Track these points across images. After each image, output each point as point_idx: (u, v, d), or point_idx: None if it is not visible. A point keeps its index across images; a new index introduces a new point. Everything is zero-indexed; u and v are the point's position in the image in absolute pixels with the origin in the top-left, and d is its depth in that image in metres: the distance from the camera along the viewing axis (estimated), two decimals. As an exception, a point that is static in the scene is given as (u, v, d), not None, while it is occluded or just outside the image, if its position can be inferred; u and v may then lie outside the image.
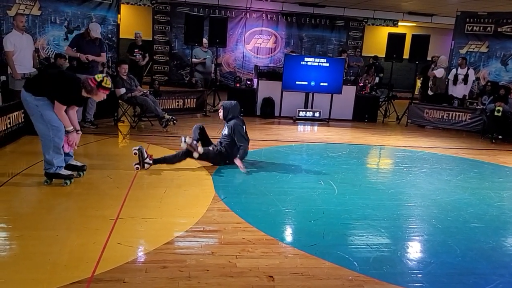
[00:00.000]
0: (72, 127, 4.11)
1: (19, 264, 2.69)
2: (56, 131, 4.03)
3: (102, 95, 4.15)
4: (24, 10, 7.60)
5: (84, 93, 4.09)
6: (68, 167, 4.35)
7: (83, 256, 2.82)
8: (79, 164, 4.46)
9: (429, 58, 9.89)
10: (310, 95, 9.36)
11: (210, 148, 5.18)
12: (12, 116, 5.58)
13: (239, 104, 5.41)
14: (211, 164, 5.17)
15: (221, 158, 5.19)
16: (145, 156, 4.83)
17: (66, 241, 3.03)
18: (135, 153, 4.78)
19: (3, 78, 6.52)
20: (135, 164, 4.81)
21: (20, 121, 5.82)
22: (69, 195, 3.99)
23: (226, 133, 5.24)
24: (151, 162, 4.85)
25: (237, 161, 5.03)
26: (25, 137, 5.88)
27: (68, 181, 4.16)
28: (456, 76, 9.47)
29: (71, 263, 2.72)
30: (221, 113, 5.34)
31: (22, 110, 5.88)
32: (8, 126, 5.47)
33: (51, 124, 4.00)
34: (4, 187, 4.03)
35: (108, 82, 4.08)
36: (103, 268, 2.68)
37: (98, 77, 4.06)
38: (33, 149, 5.38)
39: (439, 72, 9.48)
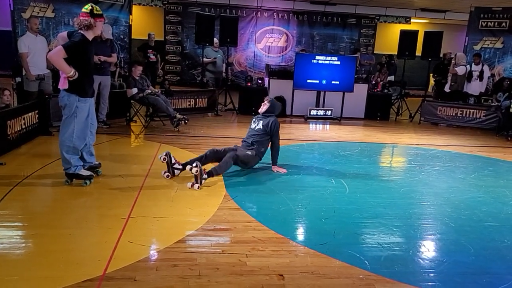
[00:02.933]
0: (73, 72, 3.96)
1: (33, 262, 2.74)
2: (81, 136, 4.14)
3: (100, 25, 4.11)
4: (38, 13, 7.72)
5: (88, 34, 4.04)
6: (91, 168, 4.44)
7: (95, 254, 2.86)
8: (96, 162, 4.55)
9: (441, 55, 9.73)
10: (322, 93, 9.31)
11: (249, 152, 4.90)
12: (26, 117, 5.67)
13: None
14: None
15: (258, 159, 5.06)
16: (173, 161, 4.55)
17: (78, 240, 3.08)
18: (164, 159, 4.47)
19: (18, 79, 6.63)
20: (165, 173, 4.54)
21: (34, 122, 5.91)
22: (82, 194, 4.04)
23: (261, 127, 5.00)
24: (180, 167, 4.56)
25: (277, 168, 5.05)
26: (40, 138, 5.97)
27: (88, 181, 4.22)
28: (470, 73, 9.33)
29: (83, 261, 2.76)
30: (266, 107, 5.11)
31: (37, 111, 5.99)
32: (23, 126, 5.57)
33: (78, 128, 4.10)
34: (19, 186, 4.10)
35: (97, 8, 4.04)
36: (114, 266, 2.71)
37: (86, 8, 4.02)
38: (47, 150, 5.47)
39: (461, 70, 9.28)
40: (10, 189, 3.99)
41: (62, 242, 3.03)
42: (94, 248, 2.96)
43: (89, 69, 4.19)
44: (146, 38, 9.64)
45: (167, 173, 4.55)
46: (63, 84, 4.02)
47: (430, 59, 9.48)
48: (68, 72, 3.93)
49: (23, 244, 3.01)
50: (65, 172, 4.19)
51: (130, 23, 8.49)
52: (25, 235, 3.14)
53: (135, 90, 7.12)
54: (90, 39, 4.13)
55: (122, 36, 8.71)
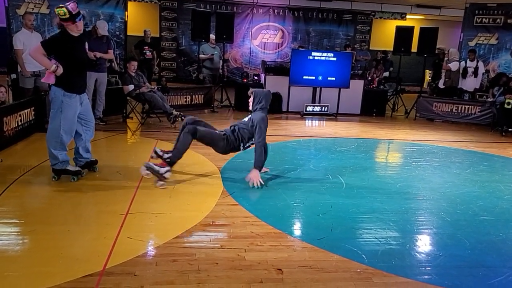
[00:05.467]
0: (55, 66, 3.94)
1: (32, 258, 2.75)
2: (68, 131, 4.13)
3: (72, 27, 3.97)
4: (33, 9, 7.68)
5: (70, 31, 3.99)
6: (87, 165, 4.46)
7: (95, 250, 2.87)
8: (92, 159, 4.56)
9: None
10: (318, 89, 9.33)
11: (217, 131, 4.55)
12: (23, 114, 5.65)
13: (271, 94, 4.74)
14: (219, 157, 5.00)
15: (227, 144, 4.51)
16: (157, 168, 4.20)
17: (77, 236, 3.08)
18: (147, 174, 4.21)
19: (14, 76, 6.60)
20: (158, 182, 4.19)
21: (31, 119, 5.89)
22: (79, 190, 4.04)
23: (246, 120, 4.65)
24: (168, 168, 4.26)
25: (253, 174, 4.32)
26: (36, 134, 5.96)
27: (75, 177, 4.22)
28: (465, 69, 9.39)
29: (83, 257, 2.77)
30: (251, 102, 4.68)
31: (33, 108, 5.97)
32: (19, 123, 5.55)
33: (65, 124, 4.08)
34: (16, 183, 4.10)
35: (59, 12, 3.86)
36: (114, 262, 2.72)
37: (57, 11, 3.91)
38: (43, 146, 5.40)
39: (454, 65, 9.34)
40: (7, 186, 3.98)
41: (61, 238, 3.03)
42: (93, 244, 2.97)
43: (74, 64, 4.09)
44: (141, 34, 9.61)
45: (161, 182, 4.21)
46: (47, 79, 4.01)
47: (425, 55, 9.52)
48: (49, 66, 3.93)
49: (22, 241, 3.01)
50: (52, 168, 4.19)
51: (126, 19, 8.47)
52: (23, 232, 3.14)
53: (131, 87, 7.11)
54: (75, 35, 4.06)
55: (117, 33, 8.70)
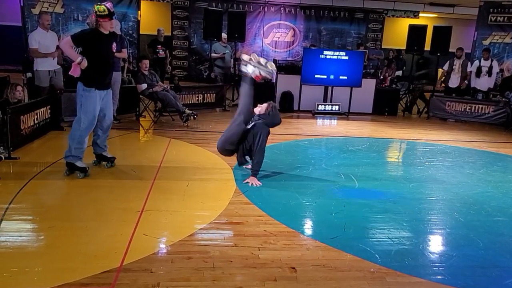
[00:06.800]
0: (80, 58, 4.15)
1: (53, 254, 2.81)
2: (86, 125, 4.28)
3: (105, 24, 4.22)
4: (47, 8, 7.80)
5: (101, 29, 4.23)
6: (99, 157, 4.67)
7: (112, 246, 2.93)
8: (109, 155, 4.70)
9: (452, 50, 9.66)
10: (329, 88, 9.32)
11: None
12: (39, 112, 5.75)
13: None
14: (231, 156, 5.03)
15: (239, 135, 4.49)
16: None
17: (95, 232, 3.15)
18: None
19: (29, 75, 6.71)
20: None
21: (47, 117, 5.99)
22: (95, 188, 4.11)
23: (249, 127, 4.58)
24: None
25: (251, 179, 4.42)
26: (52, 133, 6.06)
27: (81, 174, 4.33)
28: (479, 68, 9.29)
29: (101, 253, 2.83)
30: (263, 108, 4.64)
31: (49, 106, 6.07)
32: (36, 121, 5.65)
33: (85, 118, 4.25)
34: (33, 180, 4.18)
35: (99, 8, 4.13)
36: (131, 258, 2.78)
37: (95, 9, 4.18)
38: (59, 144, 5.54)
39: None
40: (25, 183, 4.07)
41: (79, 234, 3.10)
42: (110, 240, 3.03)
43: (98, 60, 4.27)
44: (153, 33, 9.70)
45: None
46: (73, 71, 4.20)
47: (439, 54, 9.44)
48: (75, 58, 4.16)
49: (41, 237, 3.08)
50: (65, 162, 4.37)
51: (139, 18, 8.54)
52: (42, 228, 3.21)
53: (144, 86, 7.18)
54: (105, 33, 4.27)
55: (130, 32, 8.79)
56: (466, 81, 9.42)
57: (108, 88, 4.49)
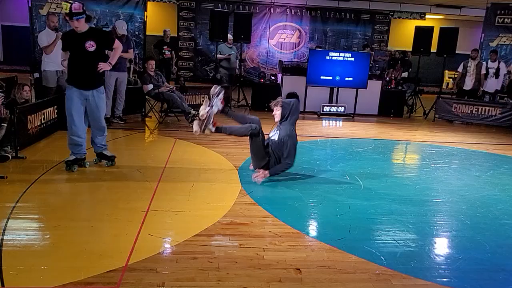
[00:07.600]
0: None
1: (59, 253, 2.83)
2: (70, 122, 4.39)
3: (72, 23, 4.14)
4: (55, 9, 7.85)
5: (72, 24, 4.19)
6: (100, 155, 4.72)
7: (117, 246, 2.94)
8: (109, 154, 4.74)
9: (460, 52, 9.57)
10: (335, 90, 9.31)
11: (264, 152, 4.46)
12: (46, 112, 5.79)
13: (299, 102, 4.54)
14: (237, 157, 5.04)
15: (264, 161, 4.48)
16: (211, 120, 4.25)
17: (100, 232, 3.16)
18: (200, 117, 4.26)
19: (36, 75, 6.77)
20: (194, 122, 4.33)
21: (53, 117, 6.03)
22: (100, 188, 4.14)
23: (276, 140, 4.50)
24: (213, 130, 4.32)
25: (264, 173, 4.41)
26: (58, 132, 6.09)
27: (68, 168, 4.48)
28: (486, 70, 9.23)
29: (106, 253, 2.84)
30: (278, 112, 4.52)
31: (56, 106, 6.11)
32: (43, 121, 5.68)
33: (67, 115, 4.43)
34: (40, 180, 4.21)
35: (63, 5, 4.15)
36: (136, 258, 2.79)
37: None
38: (65, 144, 5.54)
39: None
40: (31, 182, 4.10)
41: (84, 234, 3.11)
42: (116, 240, 3.04)
43: (72, 58, 4.32)
44: (159, 34, 9.72)
45: (197, 128, 4.32)
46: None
47: (445, 55, 9.39)
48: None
49: (47, 236, 3.09)
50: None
51: (145, 19, 8.58)
52: (48, 227, 3.23)
53: (150, 86, 7.21)
54: (80, 32, 4.23)
55: (137, 33, 8.83)
56: (481, 87, 9.30)
57: (91, 89, 4.35)
